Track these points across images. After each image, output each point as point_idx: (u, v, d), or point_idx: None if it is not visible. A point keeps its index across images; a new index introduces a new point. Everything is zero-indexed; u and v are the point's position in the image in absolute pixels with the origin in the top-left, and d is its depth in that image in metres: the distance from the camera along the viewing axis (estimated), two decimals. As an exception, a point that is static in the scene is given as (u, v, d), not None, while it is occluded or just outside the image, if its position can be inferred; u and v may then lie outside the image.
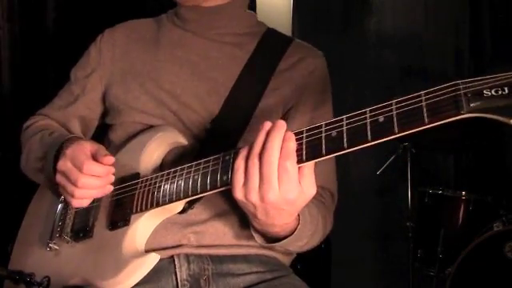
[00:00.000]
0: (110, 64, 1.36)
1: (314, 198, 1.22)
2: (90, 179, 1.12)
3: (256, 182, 0.92)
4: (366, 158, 3.15)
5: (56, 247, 1.19)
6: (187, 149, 1.22)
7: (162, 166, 1.20)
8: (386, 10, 3.44)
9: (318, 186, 1.24)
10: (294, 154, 0.92)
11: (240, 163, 0.95)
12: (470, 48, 3.36)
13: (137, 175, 1.18)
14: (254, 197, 0.93)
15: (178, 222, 1.17)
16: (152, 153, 1.21)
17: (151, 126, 1.27)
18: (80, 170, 1.11)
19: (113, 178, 1.15)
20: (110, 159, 1.14)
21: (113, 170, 1.14)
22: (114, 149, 1.29)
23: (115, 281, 1.04)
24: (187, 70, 1.30)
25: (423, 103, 0.82)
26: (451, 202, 2.68)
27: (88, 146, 1.16)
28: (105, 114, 1.39)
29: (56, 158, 1.18)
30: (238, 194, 0.95)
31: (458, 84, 0.80)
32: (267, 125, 0.95)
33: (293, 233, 1.07)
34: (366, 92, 3.25)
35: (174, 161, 1.19)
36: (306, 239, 1.14)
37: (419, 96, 0.83)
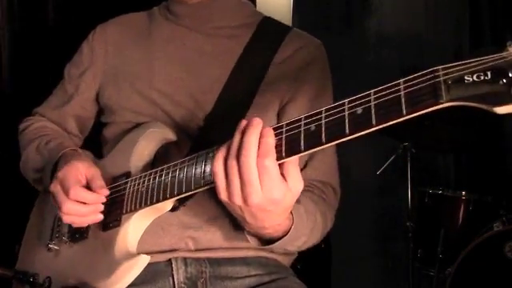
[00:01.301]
0: (103, 62, 1.33)
1: (314, 193, 1.19)
2: (75, 205, 1.08)
3: (237, 185, 0.86)
4: (366, 158, 3.15)
5: (56, 248, 1.20)
6: (180, 147, 1.19)
7: (155, 164, 1.17)
8: (386, 10, 3.43)
9: (318, 181, 1.21)
10: (273, 150, 0.85)
11: (218, 166, 0.89)
12: (470, 48, 3.35)
13: (128, 174, 1.16)
14: (238, 200, 0.88)
15: (175, 224, 1.15)
16: (142, 151, 1.19)
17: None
18: (66, 194, 1.08)
19: (102, 207, 1.10)
20: (104, 191, 1.10)
21: (103, 198, 1.10)
22: (109, 146, 1.29)
23: (108, 282, 1.04)
24: (180, 68, 1.25)
25: (401, 92, 0.75)
26: (451, 202, 2.67)
27: (82, 169, 1.12)
28: (100, 112, 1.38)
29: (52, 177, 1.16)
30: (223, 195, 0.90)
31: (437, 70, 0.73)
32: (242, 123, 0.88)
33: (287, 233, 1.02)
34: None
35: (166, 159, 1.15)
36: (305, 237, 1.11)
37: (398, 85, 0.76)
